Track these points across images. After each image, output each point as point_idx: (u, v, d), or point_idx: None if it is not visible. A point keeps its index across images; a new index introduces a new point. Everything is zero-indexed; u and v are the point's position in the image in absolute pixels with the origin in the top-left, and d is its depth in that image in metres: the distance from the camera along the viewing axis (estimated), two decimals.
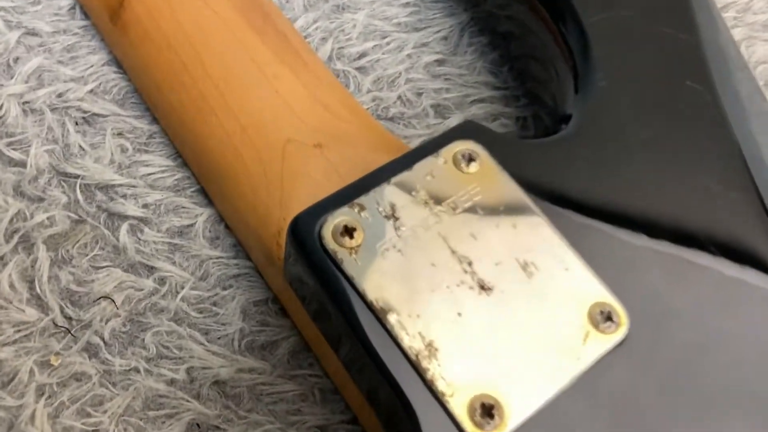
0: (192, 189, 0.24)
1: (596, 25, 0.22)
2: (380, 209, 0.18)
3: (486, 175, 0.19)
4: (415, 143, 0.26)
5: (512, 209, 0.19)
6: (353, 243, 0.18)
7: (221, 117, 0.23)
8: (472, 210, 0.19)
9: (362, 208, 0.18)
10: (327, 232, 0.18)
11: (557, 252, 0.18)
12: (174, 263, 0.22)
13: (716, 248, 0.19)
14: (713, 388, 0.18)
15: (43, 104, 0.24)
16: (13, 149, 0.23)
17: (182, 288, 0.22)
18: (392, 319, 0.17)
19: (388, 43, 0.28)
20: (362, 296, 0.17)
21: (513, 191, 0.19)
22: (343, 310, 0.17)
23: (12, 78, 0.24)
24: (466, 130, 0.20)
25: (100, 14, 0.25)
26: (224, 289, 0.22)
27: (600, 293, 0.18)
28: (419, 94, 0.27)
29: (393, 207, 0.18)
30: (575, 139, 0.20)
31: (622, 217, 0.19)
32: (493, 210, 0.19)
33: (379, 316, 0.17)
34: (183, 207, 0.23)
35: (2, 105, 0.24)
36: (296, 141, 0.22)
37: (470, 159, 0.19)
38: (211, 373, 0.21)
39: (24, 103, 0.24)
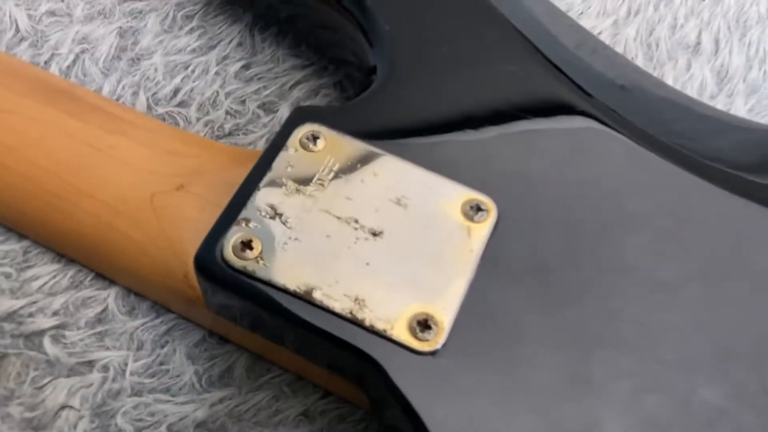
0: (89, 278, 0.25)
1: None
2: (263, 214, 0.20)
3: (333, 146, 0.22)
4: (261, 144, 0.28)
5: (365, 162, 0.22)
6: (255, 253, 0.20)
7: (82, 205, 0.24)
8: (336, 178, 0.21)
9: (247, 220, 0.20)
10: (229, 255, 0.20)
11: (415, 178, 0.21)
12: (107, 348, 0.24)
13: (531, 113, 0.23)
14: (587, 227, 0.21)
15: None
16: None
17: (126, 365, 0.23)
18: (318, 295, 0.19)
19: (193, 71, 0.29)
20: (285, 290, 0.19)
21: (359, 148, 0.22)
22: (275, 310, 0.19)
23: None
24: (299, 117, 0.22)
25: None
26: (162, 347, 0.24)
27: (463, 193, 0.21)
28: (243, 102, 0.29)
29: (273, 207, 0.21)
30: (388, 83, 0.23)
31: (451, 125, 0.23)
32: (352, 170, 0.21)
33: (306, 298, 0.19)
34: (89, 297, 0.24)
35: None
36: (159, 192, 0.24)
37: (314, 138, 0.22)
38: (189, 419, 0.23)
39: None
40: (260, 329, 0.21)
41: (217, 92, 0.29)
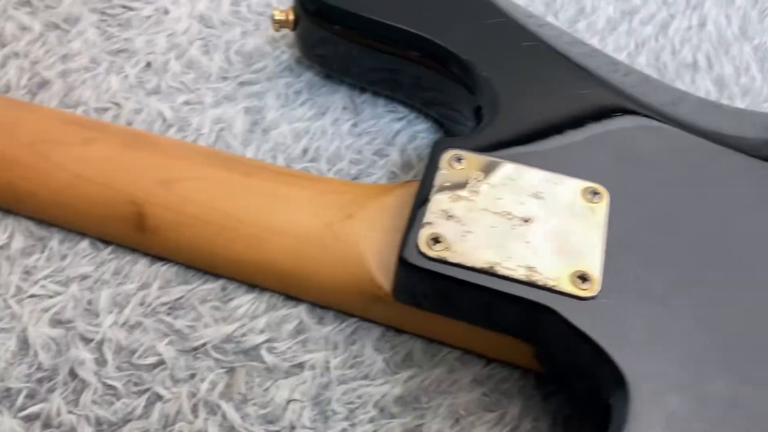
0: (281, 300, 0.30)
1: (459, 41, 0.32)
2: (440, 217, 0.27)
3: (474, 163, 0.29)
4: (384, 181, 0.34)
5: (501, 171, 0.28)
6: (444, 245, 0.26)
7: (274, 242, 0.30)
8: (484, 185, 0.28)
9: (430, 224, 0.27)
10: (425, 249, 0.26)
11: (541, 177, 0.28)
12: (310, 351, 0.29)
13: (607, 121, 0.30)
14: (675, 205, 0.28)
15: (136, 318, 0.29)
16: (147, 357, 0.29)
17: (328, 362, 0.29)
18: (499, 268, 0.26)
19: (314, 133, 0.36)
20: (473, 269, 0.26)
21: (493, 161, 0.29)
22: (470, 284, 0.26)
23: (98, 316, 0.29)
24: (441, 146, 0.29)
25: (126, 232, 0.31)
26: (353, 344, 0.30)
27: (580, 183, 0.28)
28: (360, 152, 0.35)
29: (445, 211, 0.27)
30: (498, 114, 0.30)
31: (555, 136, 0.30)
32: (493, 178, 0.28)
33: (491, 272, 0.26)
34: (285, 315, 0.30)
35: (111, 338, 0.29)
36: (333, 223, 0.30)
37: (458, 159, 0.29)
38: (390, 396, 0.28)
39: (122, 325, 0.29)
40: (448, 307, 0.27)
41: (339, 147, 0.35)
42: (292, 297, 0.31)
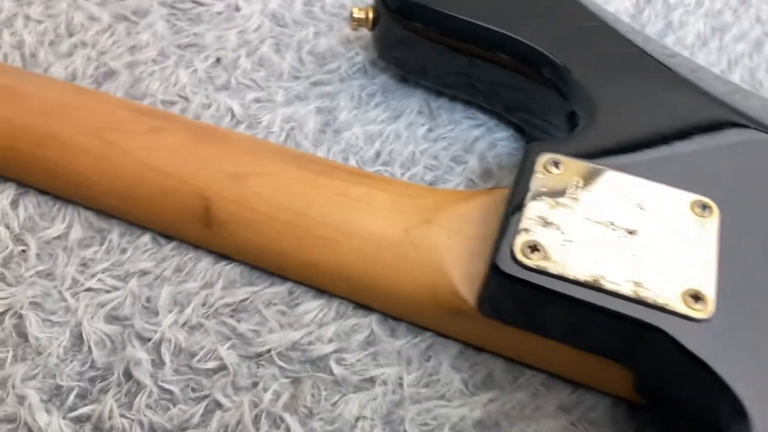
0: (351, 308, 0.28)
1: (554, 44, 0.30)
2: (537, 224, 0.25)
3: (572, 168, 0.26)
4: (460, 188, 0.32)
5: (602, 178, 0.26)
6: (542, 254, 0.24)
7: (346, 245, 0.28)
8: (584, 192, 0.26)
9: (526, 230, 0.24)
10: (521, 257, 0.24)
11: (645, 187, 0.26)
12: (381, 365, 0.27)
13: (709, 132, 0.28)
14: None
15: (197, 318, 0.27)
16: (207, 361, 0.26)
17: (401, 378, 0.27)
18: (604, 282, 0.23)
19: (387, 136, 0.34)
20: (576, 282, 0.23)
21: (593, 168, 0.26)
22: (574, 299, 0.23)
23: (157, 314, 0.28)
24: (537, 150, 0.27)
25: (191, 228, 0.29)
26: (427, 360, 0.27)
27: (687, 195, 0.26)
28: (436, 157, 0.33)
29: (542, 218, 0.25)
30: (596, 119, 0.28)
31: (656, 145, 0.27)
32: (594, 185, 0.26)
33: (595, 287, 0.23)
34: (355, 324, 0.28)
35: (170, 339, 0.27)
36: (411, 228, 0.28)
37: (555, 164, 0.26)
38: (468, 420, 0.26)
39: (183, 325, 0.27)
40: (540, 323, 0.25)
41: (413, 152, 0.33)
42: (362, 305, 0.28)
